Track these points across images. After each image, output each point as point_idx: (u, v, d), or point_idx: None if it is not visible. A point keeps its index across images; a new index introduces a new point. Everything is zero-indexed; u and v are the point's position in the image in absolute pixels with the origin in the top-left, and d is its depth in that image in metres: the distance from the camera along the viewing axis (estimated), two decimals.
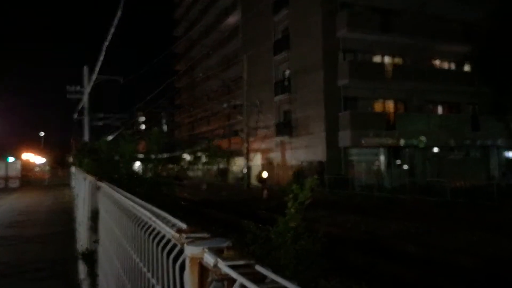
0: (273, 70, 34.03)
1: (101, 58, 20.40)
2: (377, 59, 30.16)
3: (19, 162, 36.03)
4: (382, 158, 28.88)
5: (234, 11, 43.08)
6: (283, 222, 2.78)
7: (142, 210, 1.44)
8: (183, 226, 1.02)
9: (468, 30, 29.38)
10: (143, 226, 1.32)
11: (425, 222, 12.51)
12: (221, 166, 43.55)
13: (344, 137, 26.98)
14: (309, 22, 28.29)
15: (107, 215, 2.50)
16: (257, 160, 35.35)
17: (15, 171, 33.92)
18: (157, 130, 5.44)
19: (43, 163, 59.62)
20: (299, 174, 26.47)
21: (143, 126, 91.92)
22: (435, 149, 28.23)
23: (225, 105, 36.76)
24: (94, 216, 3.57)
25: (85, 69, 28.70)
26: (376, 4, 28.76)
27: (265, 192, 22.88)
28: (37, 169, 58.94)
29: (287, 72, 32.88)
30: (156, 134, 5.14)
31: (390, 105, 30.15)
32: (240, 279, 0.66)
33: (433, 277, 6.62)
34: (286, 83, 32.71)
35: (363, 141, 26.79)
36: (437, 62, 32.38)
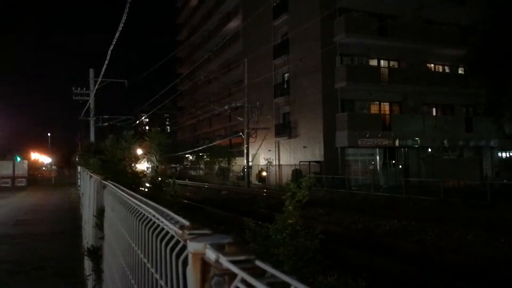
0: (273, 73, 34.81)
1: (107, 61, 21.04)
2: (373, 62, 30.85)
3: (26, 162, 36.46)
4: (378, 158, 29.61)
5: (235, 16, 43.76)
6: (281, 220, 3.02)
7: (146, 207, 1.46)
8: (186, 223, 1.03)
9: (464, 33, 29.99)
10: (147, 223, 1.33)
11: (420, 220, 12.46)
12: (222, 165, 44.36)
13: (341, 138, 27.69)
14: (308, 27, 28.97)
15: (112, 213, 2.51)
16: (257, 160, 36.12)
17: (22, 171, 33.98)
18: (157, 130, 5.57)
19: (50, 163, 60.42)
20: (298, 173, 27.20)
21: (147, 127, 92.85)
22: (430, 150, 28.88)
23: (226, 107, 37.48)
24: (100, 214, 3.57)
25: (91, 72, 29.59)
26: (373, 9, 29.33)
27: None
28: (43, 168, 59.74)
29: (286, 75, 33.71)
30: (155, 134, 4.93)
31: (386, 107, 30.90)
32: (241, 274, 0.68)
33: (428, 274, 6.71)
34: (285, 86, 33.55)
35: (359, 142, 27.49)
36: (432, 65, 33.06)
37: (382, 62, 31.07)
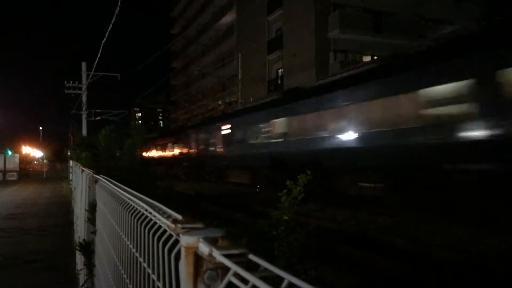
0: (267, 68, 34.78)
1: (99, 55, 20.87)
2: (367, 59, 30.90)
3: (17, 156, 36.20)
4: None
5: (229, 10, 43.67)
6: (275, 215, 2.98)
7: (138, 201, 1.46)
8: (179, 217, 1.02)
9: (459, 31, 30.09)
10: (140, 217, 1.33)
11: (413, 217, 12.60)
12: None
13: None
14: (302, 22, 28.95)
15: (104, 207, 2.51)
16: None
17: (13, 165, 33.79)
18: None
19: (42, 157, 60.08)
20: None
21: (140, 122, 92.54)
22: None
23: (220, 102, 37.45)
24: (92, 208, 3.57)
25: (84, 65, 29.41)
26: (368, 5, 29.44)
27: None
28: (35, 162, 59.31)
29: (280, 71, 33.70)
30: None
31: None
32: (234, 268, 0.68)
33: (420, 270, 6.63)
34: (279, 81, 33.54)
35: None
36: None
37: (376, 58, 31.11)
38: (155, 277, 1.11)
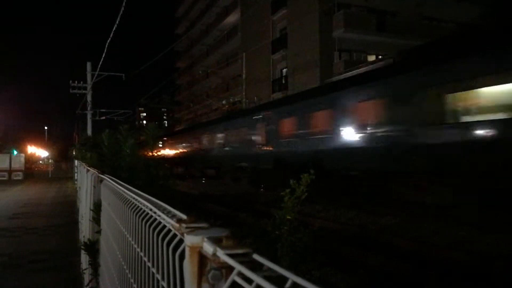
0: (271, 68, 34.77)
1: (104, 55, 20.93)
2: (372, 58, 30.83)
3: (23, 155, 36.32)
4: None
5: (234, 10, 43.72)
6: (279, 215, 2.96)
7: (143, 201, 1.46)
8: (183, 216, 1.03)
9: (462, 30, 30.03)
10: (144, 217, 1.33)
11: (416, 217, 12.63)
12: None
13: None
14: (307, 22, 28.94)
15: (109, 207, 2.52)
16: None
17: (18, 164, 33.87)
18: (155, 125, 5.62)
19: (47, 157, 60.33)
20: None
21: (144, 122, 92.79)
22: None
23: (224, 102, 37.44)
24: (97, 207, 3.60)
25: (88, 65, 29.50)
26: (372, 5, 29.40)
27: None
28: (40, 162, 59.56)
29: (285, 70, 33.68)
30: (153, 129, 5.19)
31: None
32: (238, 267, 0.68)
33: (423, 271, 6.63)
34: (283, 81, 33.54)
35: None
36: None
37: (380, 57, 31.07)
38: (159, 277, 1.11)
